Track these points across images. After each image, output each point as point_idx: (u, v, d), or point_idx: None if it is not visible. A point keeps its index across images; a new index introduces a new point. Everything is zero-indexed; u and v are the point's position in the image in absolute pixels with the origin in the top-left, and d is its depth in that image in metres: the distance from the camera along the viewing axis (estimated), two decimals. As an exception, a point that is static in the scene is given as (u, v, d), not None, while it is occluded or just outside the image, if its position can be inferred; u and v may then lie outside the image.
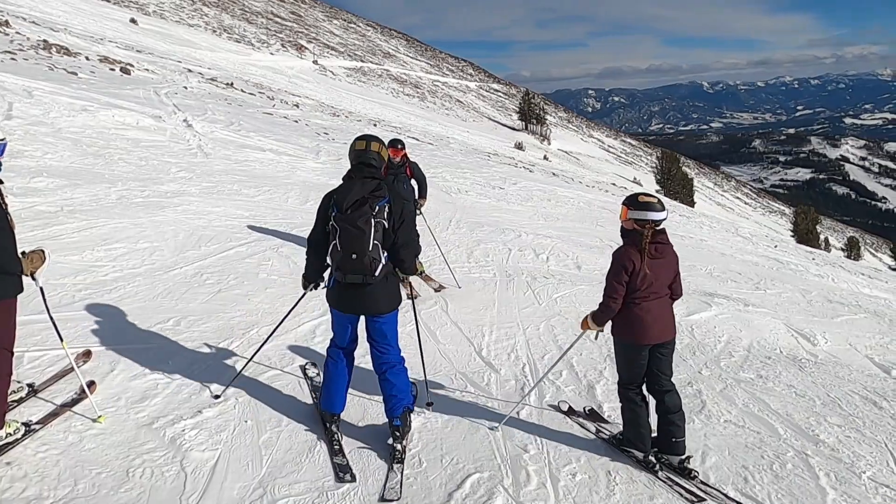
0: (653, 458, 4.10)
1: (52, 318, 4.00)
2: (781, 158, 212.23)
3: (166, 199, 8.90)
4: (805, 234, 45.10)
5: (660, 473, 4.04)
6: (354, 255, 3.62)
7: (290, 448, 3.93)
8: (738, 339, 7.08)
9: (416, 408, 4.44)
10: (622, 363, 4.19)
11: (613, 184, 33.44)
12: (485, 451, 4.09)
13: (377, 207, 3.64)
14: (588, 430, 4.58)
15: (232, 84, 25.60)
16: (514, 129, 62.06)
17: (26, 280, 3.62)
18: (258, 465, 3.74)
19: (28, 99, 12.43)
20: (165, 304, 5.86)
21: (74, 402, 4.12)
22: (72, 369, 4.19)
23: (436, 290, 7.48)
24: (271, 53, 53.33)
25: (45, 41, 20.69)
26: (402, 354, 4.08)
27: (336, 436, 4.01)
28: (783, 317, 8.45)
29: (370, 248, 3.62)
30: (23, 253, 3.56)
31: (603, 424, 4.68)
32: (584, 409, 4.94)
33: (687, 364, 6.08)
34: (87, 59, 20.52)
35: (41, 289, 3.88)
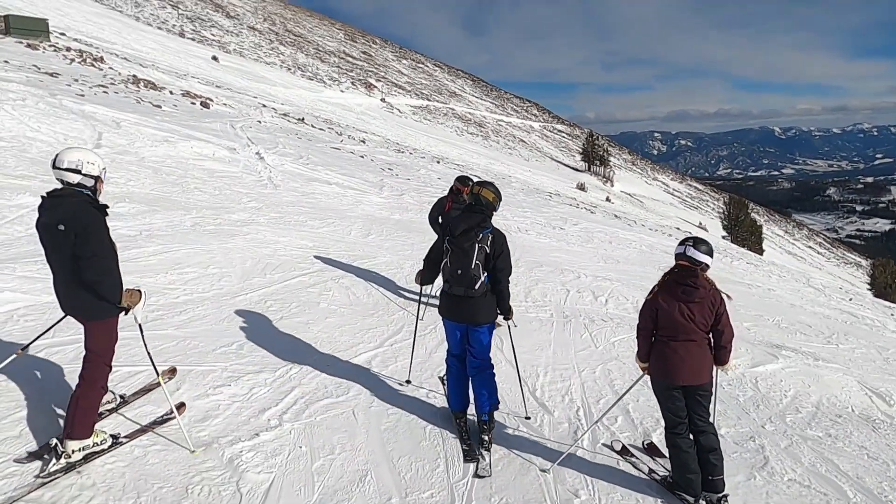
0: (703, 502, 4.06)
1: (149, 353, 4.20)
2: (858, 208, 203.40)
3: (236, 228, 9.29)
4: (883, 288, 42.76)
5: None
6: (460, 271, 4.45)
7: (341, 476, 4.00)
8: (806, 395, 6.77)
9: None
10: (660, 404, 4.25)
11: (678, 228, 32.73)
12: (535, 494, 4.04)
13: (480, 235, 4.44)
14: (641, 472, 4.49)
15: (303, 119, 26.61)
16: (576, 169, 61.82)
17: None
18: (310, 490, 3.81)
19: (116, 129, 13.28)
20: (231, 328, 6.08)
21: (163, 421, 4.31)
22: (158, 384, 4.54)
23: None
24: (341, 91, 55.26)
25: (134, 76, 22.14)
26: (492, 362, 4.76)
27: (465, 429, 4.75)
28: (856, 374, 8.03)
29: (472, 267, 4.42)
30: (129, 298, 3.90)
31: (657, 463, 4.63)
32: (643, 443, 4.94)
33: (750, 417, 5.85)
34: (170, 93, 21.80)
35: (140, 326, 4.12)
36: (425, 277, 5.01)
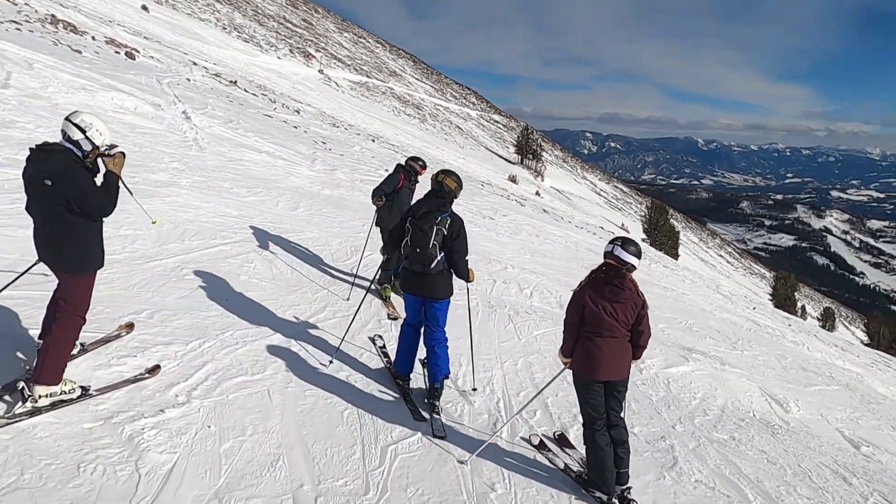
0: (616, 501, 4.16)
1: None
2: (767, 222, 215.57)
3: (155, 189, 8.74)
4: (783, 300, 45.60)
5: None
6: (419, 250, 4.88)
7: (251, 459, 3.80)
8: (713, 398, 7.05)
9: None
10: (579, 399, 4.30)
11: (601, 227, 33.63)
12: (451, 486, 3.98)
13: (439, 219, 4.87)
14: (557, 467, 4.52)
15: (236, 82, 25.53)
16: (509, 161, 62.35)
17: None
18: (216, 474, 3.60)
19: (27, 70, 12.25)
20: (141, 294, 5.70)
21: (136, 380, 4.33)
22: (118, 335, 4.81)
23: (390, 318, 7.37)
24: (278, 57, 53.40)
25: (53, 16, 20.51)
26: (447, 335, 5.18)
27: (408, 391, 5.17)
28: (758, 380, 8.45)
29: (430, 246, 4.85)
30: (110, 155, 4.03)
31: (571, 458, 4.69)
32: (553, 433, 5.01)
33: (661, 417, 6.03)
34: (93, 38, 20.34)
35: (125, 183, 4.24)
36: (387, 248, 5.47)
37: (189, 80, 20.22)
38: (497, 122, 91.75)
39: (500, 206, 20.86)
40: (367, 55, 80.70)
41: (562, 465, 4.55)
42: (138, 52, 21.50)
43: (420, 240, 4.88)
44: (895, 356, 30.30)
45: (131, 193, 4.71)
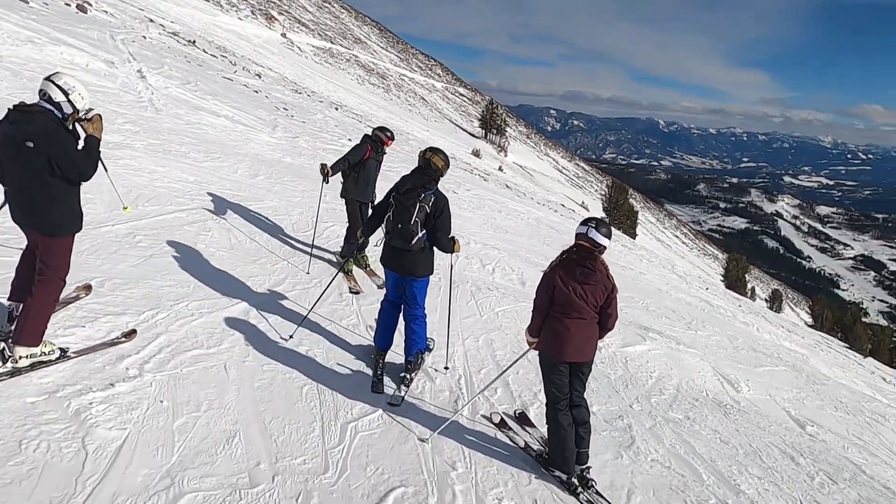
0: (576, 481, 4.18)
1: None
2: (722, 205, 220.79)
3: (108, 150, 8.32)
4: (734, 281, 46.92)
5: (581, 496, 4.10)
6: (400, 226, 4.82)
7: (206, 437, 3.68)
8: (668, 377, 7.17)
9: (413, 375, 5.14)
10: (544, 378, 4.29)
11: (563, 205, 33.88)
12: (412, 464, 3.93)
13: (423, 196, 4.80)
14: (517, 445, 4.53)
15: (194, 42, 24.61)
16: (473, 135, 62.08)
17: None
18: (169, 451, 3.46)
19: (-31, 19, 11.55)
20: (90, 262, 5.45)
21: (113, 343, 4.35)
22: (77, 297, 4.79)
23: (379, 287, 7.28)
24: (239, 18, 51.72)
25: (-3, -38, 19.34)
26: (425, 311, 5.22)
27: (380, 365, 5.13)
28: (711, 360, 8.63)
29: (411, 223, 4.78)
30: (87, 119, 4.04)
31: (531, 437, 4.70)
32: (514, 411, 5.01)
33: (619, 396, 6.09)
34: (41, -12, 19.30)
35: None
36: (366, 228, 5.33)
37: (145, 37, 19.41)
38: (462, 95, 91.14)
39: (463, 180, 20.76)
40: (331, 20, 78.88)
41: (522, 444, 4.56)
42: (90, 4, 20.50)
43: (402, 215, 4.82)
44: (837, 337, 31.57)
45: (106, 171, 4.70)
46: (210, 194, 8.13)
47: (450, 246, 5.06)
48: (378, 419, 4.38)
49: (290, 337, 5.25)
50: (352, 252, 7.50)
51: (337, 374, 4.91)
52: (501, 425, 4.75)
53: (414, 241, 4.83)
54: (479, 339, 6.54)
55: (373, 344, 5.40)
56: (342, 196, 7.39)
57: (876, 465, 6.51)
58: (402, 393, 4.89)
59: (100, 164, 4.10)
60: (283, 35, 55.00)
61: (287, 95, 22.67)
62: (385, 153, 7.61)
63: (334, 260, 7.59)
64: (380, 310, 5.33)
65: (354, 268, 7.52)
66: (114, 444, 3.39)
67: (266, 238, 7.47)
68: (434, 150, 5.05)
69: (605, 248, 4.11)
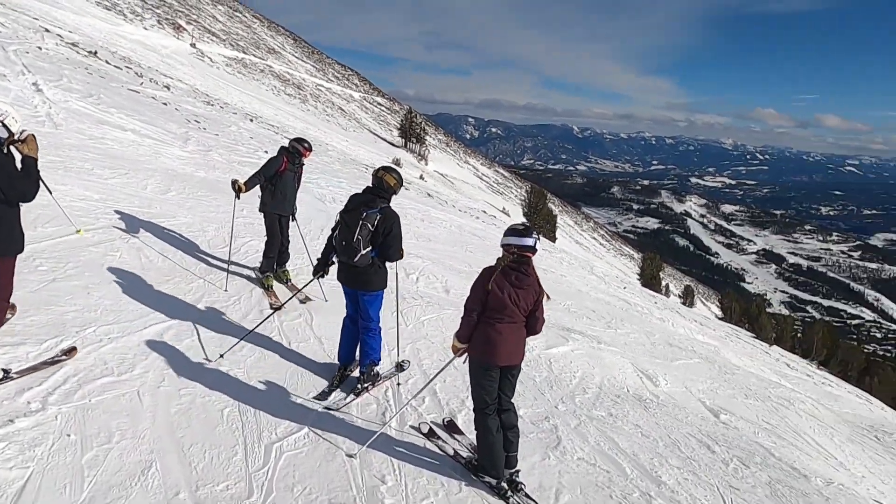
0: (505, 485, 4.21)
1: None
2: (635, 206, 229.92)
3: (0, 169, 7.82)
4: (649, 279, 48.81)
5: (511, 500, 4.15)
6: (344, 243, 4.96)
7: (119, 469, 3.48)
8: (591, 376, 7.37)
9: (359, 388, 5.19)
10: (474, 384, 4.29)
11: (484, 211, 34.30)
12: (340, 481, 3.86)
13: (365, 214, 4.89)
14: (447, 454, 4.54)
15: (96, 53, 23.42)
16: (393, 144, 62.01)
17: None
18: (78, 488, 3.26)
19: None
20: (-16, 289, 5.06)
21: (54, 362, 4.29)
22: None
23: (301, 302, 7.14)
24: (144, 28, 49.64)
25: None
26: (380, 325, 5.38)
27: (336, 378, 5.31)
28: (631, 357, 8.95)
29: (353, 240, 4.89)
30: (21, 141, 4.10)
31: (460, 445, 4.71)
32: (443, 420, 5.02)
33: (545, 398, 6.21)
34: (-80, -4, 17.91)
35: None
36: (320, 264, 5.48)
37: (40, 48, 18.32)
38: (380, 104, 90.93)
39: (384, 190, 20.67)
40: (243, 30, 76.98)
41: (451, 452, 4.57)
42: (-23, 14, 19.15)
43: (344, 234, 4.96)
44: (744, 328, 33.38)
45: (51, 193, 4.74)
46: (117, 212, 7.75)
47: (396, 256, 5.17)
48: (304, 437, 4.28)
49: (207, 359, 5.06)
50: (271, 267, 7.32)
51: (260, 394, 4.77)
52: (430, 435, 4.75)
53: (357, 258, 4.93)
54: (404, 349, 6.51)
55: (293, 362, 5.36)
56: (260, 210, 7.22)
57: (783, 447, 6.92)
58: (347, 401, 4.99)
59: (42, 185, 4.19)
60: (193, 45, 53.20)
61: (199, 107, 21.93)
62: (303, 164, 7.49)
63: (253, 276, 7.39)
64: (342, 326, 5.50)
65: (275, 283, 7.35)
66: (15, 484, 3.15)
67: (180, 256, 7.18)
68: (386, 169, 5.14)
69: (536, 251, 4.22)
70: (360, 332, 5.33)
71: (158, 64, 33.46)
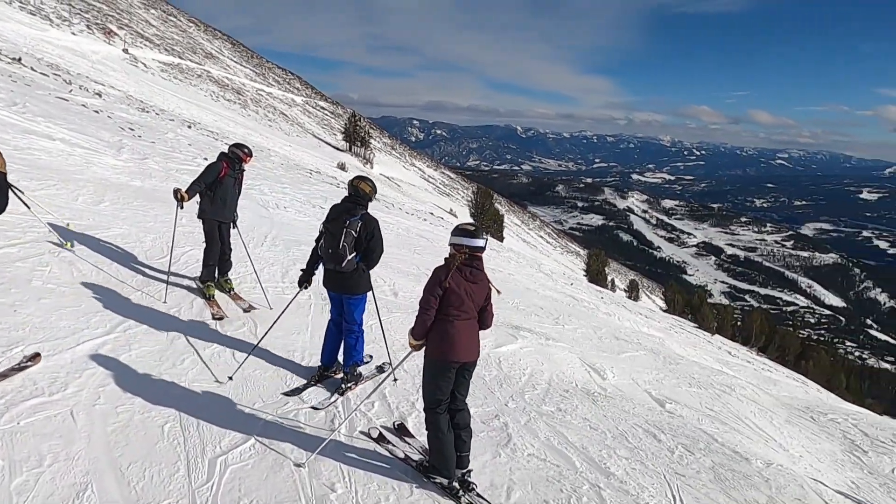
0: (457, 485, 4.21)
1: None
2: (580, 204, 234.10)
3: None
4: (596, 275, 49.77)
5: (462, 499, 4.13)
6: (330, 250, 5.20)
7: (51, 493, 3.32)
8: (540, 372, 7.44)
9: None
10: (428, 382, 4.29)
11: (431, 213, 34.35)
12: (289, 492, 3.78)
13: (348, 222, 5.17)
14: (397, 458, 4.51)
15: (20, 60, 22.39)
16: (338, 148, 61.40)
17: None
18: (6, 516, 3.09)
19: None
20: None
21: (21, 368, 4.29)
22: None
23: (245, 311, 6.98)
24: (73, 33, 47.72)
25: None
26: (363, 328, 5.60)
27: (313, 378, 5.50)
28: (578, 351, 9.09)
29: (339, 247, 5.13)
30: None
31: (411, 448, 4.70)
32: (393, 424, 5.00)
33: (495, 396, 6.24)
34: None
35: None
36: (308, 268, 5.64)
37: (-42, 55, 17.40)
38: (324, 108, 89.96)
39: (329, 194, 20.45)
40: (178, 34, 74.93)
41: (402, 456, 4.54)
42: None
43: (330, 242, 5.21)
44: (687, 319, 34.43)
45: (29, 208, 4.66)
46: (48, 225, 7.40)
47: (375, 264, 5.48)
48: (250, 449, 4.17)
49: (147, 375, 4.88)
50: (212, 276, 7.13)
51: (203, 407, 4.62)
52: (380, 440, 4.71)
53: (345, 264, 5.18)
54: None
55: (226, 377, 5.25)
56: (199, 217, 7.03)
57: (726, 432, 7.15)
58: (332, 400, 5.19)
59: (20, 198, 3.96)
60: (125, 50, 51.45)
61: (133, 115, 21.22)
62: (244, 170, 7.33)
63: (194, 286, 7.18)
64: (326, 329, 5.69)
65: (217, 292, 7.16)
66: (-64, 517, 2.97)
67: (115, 268, 6.92)
68: (361, 178, 5.48)
69: (484, 249, 4.30)
70: (343, 334, 5.54)
71: (89, 70, 32.26)
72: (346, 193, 5.42)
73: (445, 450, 4.21)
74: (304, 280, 5.58)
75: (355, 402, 5.22)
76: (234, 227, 7.35)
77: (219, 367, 5.36)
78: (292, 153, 36.74)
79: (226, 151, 7.17)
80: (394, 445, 4.66)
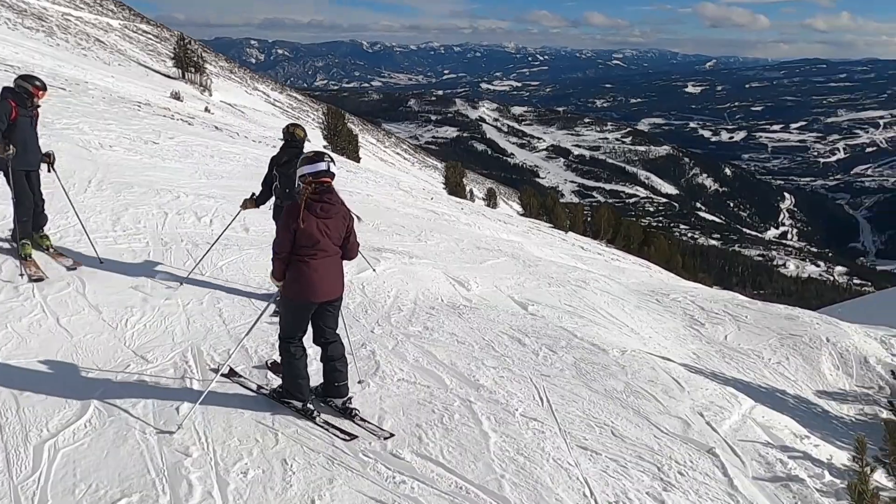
0: (311, 406, 4.18)
1: None
2: (433, 117, 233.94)
3: None
4: (455, 187, 50.36)
5: (318, 420, 4.10)
6: (288, 190, 5.68)
7: None
8: (405, 293, 7.34)
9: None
10: (287, 319, 4.19)
11: (280, 139, 32.72)
12: (135, 467, 3.39)
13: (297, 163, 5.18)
14: (250, 389, 4.40)
15: None
16: (169, 76, 55.92)
17: None
18: None
19: None
20: None
21: None
22: None
23: (69, 269, 6.18)
24: None
25: None
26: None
27: None
28: (442, 266, 9.08)
29: (299, 188, 4.84)
30: None
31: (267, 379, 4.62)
32: (266, 362, 4.87)
33: (360, 324, 6.07)
34: None
35: None
36: (259, 198, 6.17)
37: None
38: (147, 32, 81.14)
39: (163, 127, 18.64)
40: (-50, -49, 63.35)
41: (254, 387, 4.44)
42: None
43: (287, 184, 5.66)
44: (543, 221, 36.14)
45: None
46: None
47: None
48: (85, 426, 3.69)
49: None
50: (28, 233, 6.21)
51: (24, 386, 4.02)
52: (231, 375, 4.50)
53: None
54: (202, 300, 5.96)
55: (65, 340, 4.59)
56: (0, 169, 6.01)
57: (584, 325, 7.50)
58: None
59: None
60: None
61: None
62: (39, 106, 6.26)
63: (7, 246, 6.24)
64: None
65: (34, 251, 6.26)
66: None
67: None
68: (294, 125, 6.26)
69: (333, 176, 4.05)
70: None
71: None
72: (284, 140, 6.11)
73: (298, 373, 4.14)
74: (251, 205, 6.18)
75: (206, 351, 4.82)
76: (50, 171, 6.39)
77: (41, 337, 4.69)
78: (116, 85, 32.93)
79: (11, 86, 6.07)
80: (246, 378, 4.46)
